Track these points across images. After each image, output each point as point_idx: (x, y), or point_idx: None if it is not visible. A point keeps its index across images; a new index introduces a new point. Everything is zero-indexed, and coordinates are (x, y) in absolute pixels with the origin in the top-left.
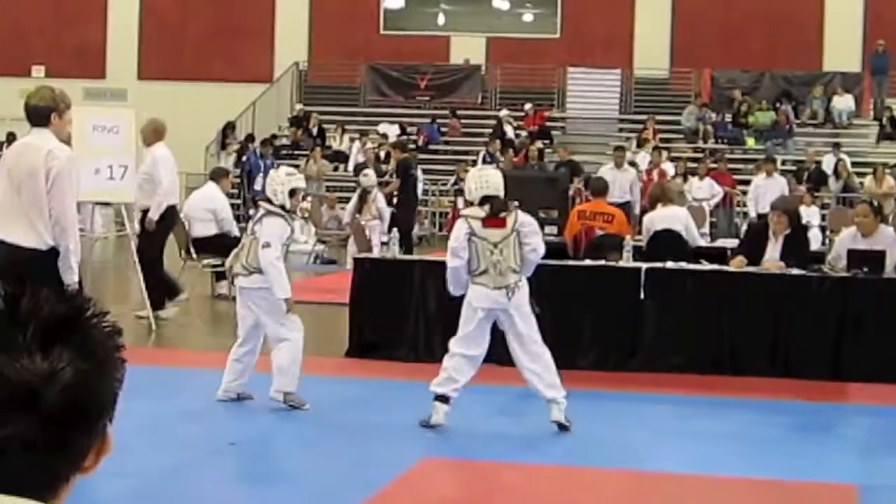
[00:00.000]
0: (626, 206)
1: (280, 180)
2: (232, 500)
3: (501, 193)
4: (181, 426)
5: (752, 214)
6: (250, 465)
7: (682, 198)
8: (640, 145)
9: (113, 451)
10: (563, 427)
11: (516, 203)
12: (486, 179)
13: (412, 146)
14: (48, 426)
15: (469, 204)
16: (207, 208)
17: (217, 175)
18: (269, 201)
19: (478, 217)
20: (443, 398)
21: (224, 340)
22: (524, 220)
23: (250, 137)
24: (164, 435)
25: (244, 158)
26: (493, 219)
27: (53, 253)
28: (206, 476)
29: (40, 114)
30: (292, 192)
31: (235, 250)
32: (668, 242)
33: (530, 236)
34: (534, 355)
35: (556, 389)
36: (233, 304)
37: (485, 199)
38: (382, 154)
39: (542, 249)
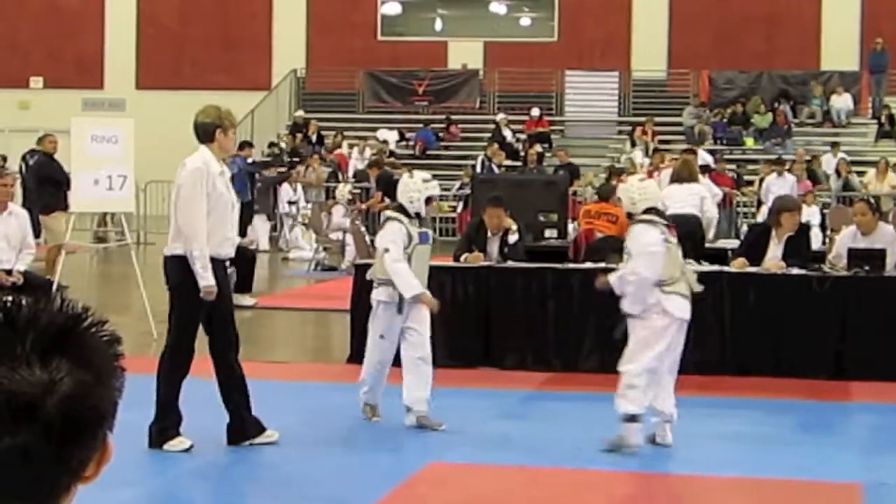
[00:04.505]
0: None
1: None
2: None
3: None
4: (185, 434)
5: (765, 210)
6: (257, 471)
7: None
8: (633, 144)
9: (114, 460)
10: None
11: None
12: (649, 191)
13: (410, 152)
14: (48, 437)
15: (629, 216)
16: None
17: None
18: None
19: (663, 223)
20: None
21: None
22: None
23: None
24: None
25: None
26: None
27: (177, 260)
28: (211, 484)
29: (204, 130)
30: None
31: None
32: (679, 228)
33: None
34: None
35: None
36: (240, 313)
37: (649, 210)
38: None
39: None
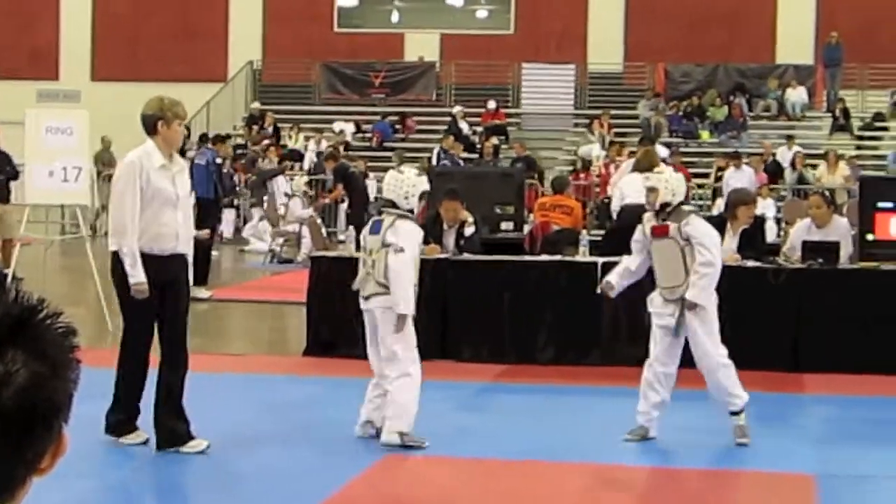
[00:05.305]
0: None
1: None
2: (193, 501)
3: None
4: (139, 427)
5: (721, 203)
6: (212, 464)
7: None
8: (590, 132)
9: (69, 452)
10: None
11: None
12: (682, 183)
13: (367, 144)
14: (3, 429)
15: (663, 207)
16: None
17: None
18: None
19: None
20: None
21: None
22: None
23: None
24: None
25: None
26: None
27: (116, 256)
28: (166, 477)
29: (146, 123)
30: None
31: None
32: (635, 219)
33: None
34: None
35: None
36: (196, 305)
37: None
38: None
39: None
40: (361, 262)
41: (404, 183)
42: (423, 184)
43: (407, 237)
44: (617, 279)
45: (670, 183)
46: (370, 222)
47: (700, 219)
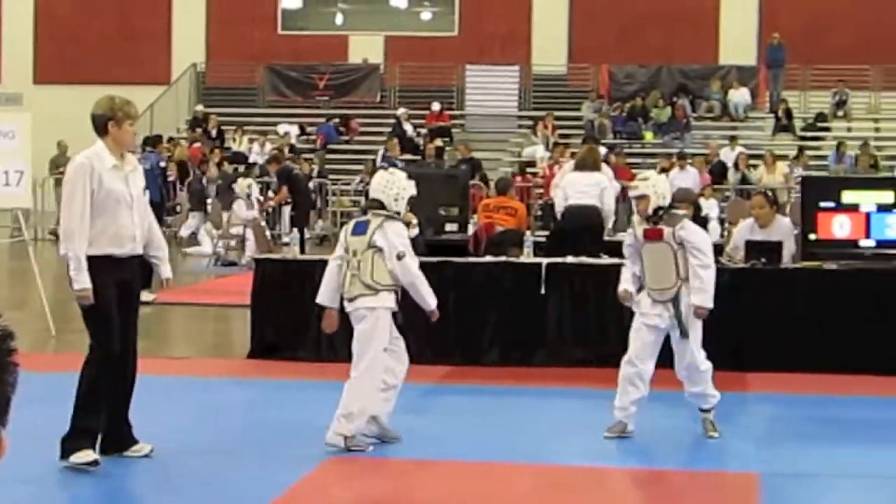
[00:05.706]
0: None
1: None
2: None
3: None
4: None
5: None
6: (155, 468)
7: None
8: (534, 133)
9: (8, 456)
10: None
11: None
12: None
13: (311, 146)
14: None
15: (655, 212)
16: None
17: None
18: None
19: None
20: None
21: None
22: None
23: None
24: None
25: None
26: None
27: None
28: (107, 483)
29: (96, 123)
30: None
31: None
32: (579, 220)
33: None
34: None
35: None
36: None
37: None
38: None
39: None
40: (334, 263)
41: (395, 185)
42: (412, 187)
43: (400, 239)
44: (632, 287)
45: (658, 187)
46: (353, 223)
47: (692, 223)
